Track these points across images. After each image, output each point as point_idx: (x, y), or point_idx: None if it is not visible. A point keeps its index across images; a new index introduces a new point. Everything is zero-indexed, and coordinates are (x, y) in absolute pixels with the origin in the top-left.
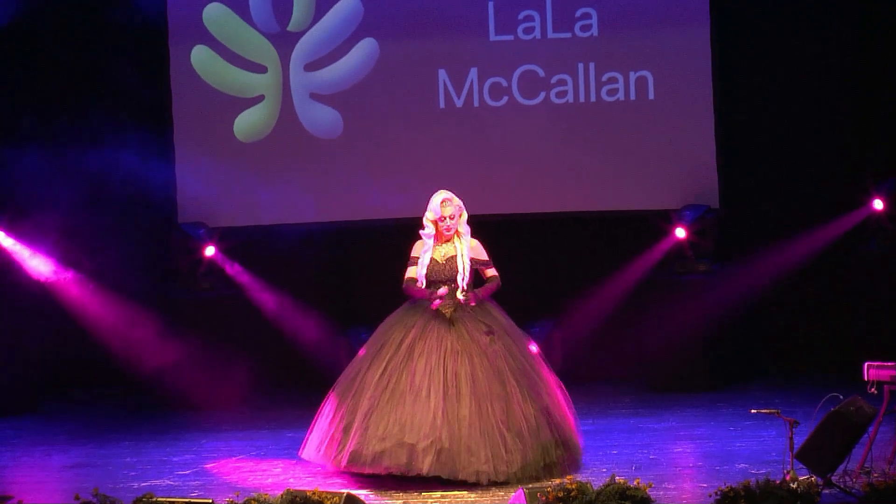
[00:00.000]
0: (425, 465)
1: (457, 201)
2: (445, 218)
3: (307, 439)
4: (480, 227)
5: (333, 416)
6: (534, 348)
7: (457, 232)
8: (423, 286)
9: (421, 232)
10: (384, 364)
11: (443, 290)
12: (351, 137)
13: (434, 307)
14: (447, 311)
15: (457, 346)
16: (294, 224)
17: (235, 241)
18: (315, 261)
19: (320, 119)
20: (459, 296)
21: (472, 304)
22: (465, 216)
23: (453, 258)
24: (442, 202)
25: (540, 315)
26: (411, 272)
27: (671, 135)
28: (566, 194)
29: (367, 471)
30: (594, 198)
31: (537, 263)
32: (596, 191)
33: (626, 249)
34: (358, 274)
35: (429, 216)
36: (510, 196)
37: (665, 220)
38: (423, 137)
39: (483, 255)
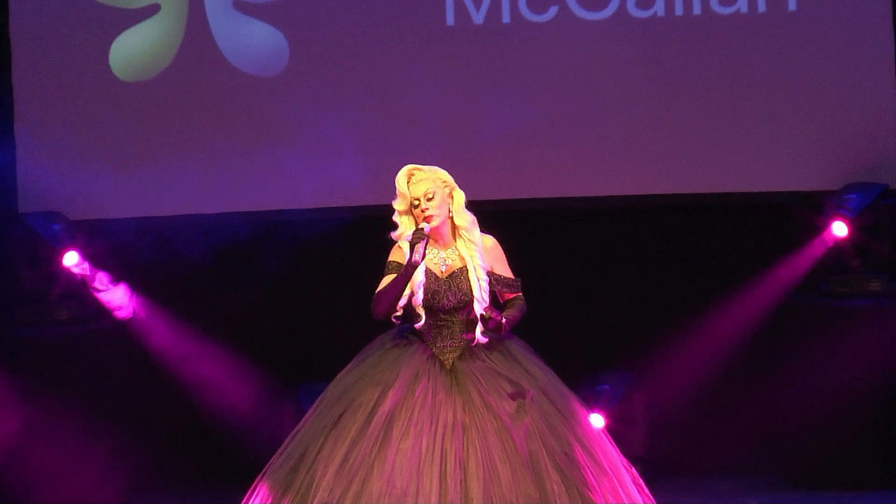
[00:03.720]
0: None
1: (440, 173)
2: (420, 200)
3: None
4: (502, 219)
5: None
6: (597, 421)
7: (453, 227)
8: (423, 318)
9: (393, 235)
10: (346, 448)
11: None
12: (302, 74)
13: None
14: (448, 358)
15: (461, 416)
16: (210, 215)
17: (113, 242)
18: (247, 276)
19: (251, 44)
20: (479, 334)
21: (500, 317)
22: (460, 198)
23: (461, 272)
24: (409, 177)
25: (609, 365)
26: (384, 283)
27: (824, 71)
28: (651, 168)
29: None
30: (696, 173)
31: (603, 280)
32: (699, 162)
33: (750, 257)
34: (315, 299)
35: (397, 205)
36: (555, 169)
37: (814, 209)
38: (419, 75)
39: (505, 270)
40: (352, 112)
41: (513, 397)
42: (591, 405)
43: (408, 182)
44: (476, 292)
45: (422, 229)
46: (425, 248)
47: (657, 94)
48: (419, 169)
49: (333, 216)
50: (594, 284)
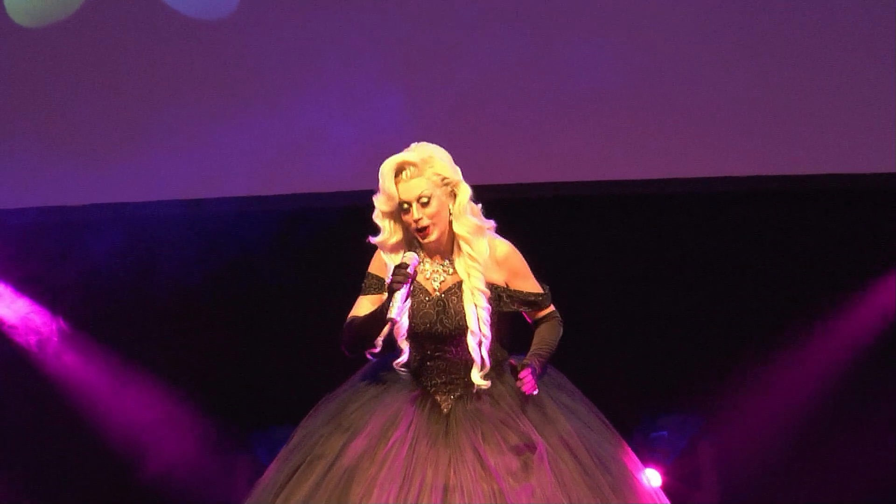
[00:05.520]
0: None
1: (439, 165)
2: (411, 205)
3: None
4: (526, 210)
5: None
6: (651, 478)
7: (454, 236)
8: (405, 354)
9: (372, 240)
10: None
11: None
12: (258, 16)
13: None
14: (445, 402)
15: (444, 475)
16: (142, 205)
17: (12, 241)
18: (193, 290)
19: None
20: (477, 379)
21: (533, 391)
22: (464, 196)
23: (459, 289)
24: (397, 171)
25: (669, 405)
26: (360, 305)
27: None
28: (728, 148)
29: None
30: (779, 152)
31: (662, 294)
32: (782, 134)
33: (854, 263)
34: (277, 319)
35: (380, 204)
36: (596, 147)
37: None
38: (412, 16)
39: (527, 283)
40: (328, 72)
41: (517, 452)
42: (645, 458)
43: (395, 174)
44: (471, 321)
45: (404, 269)
46: (410, 289)
47: (741, 59)
48: (411, 163)
49: (305, 207)
50: (650, 299)
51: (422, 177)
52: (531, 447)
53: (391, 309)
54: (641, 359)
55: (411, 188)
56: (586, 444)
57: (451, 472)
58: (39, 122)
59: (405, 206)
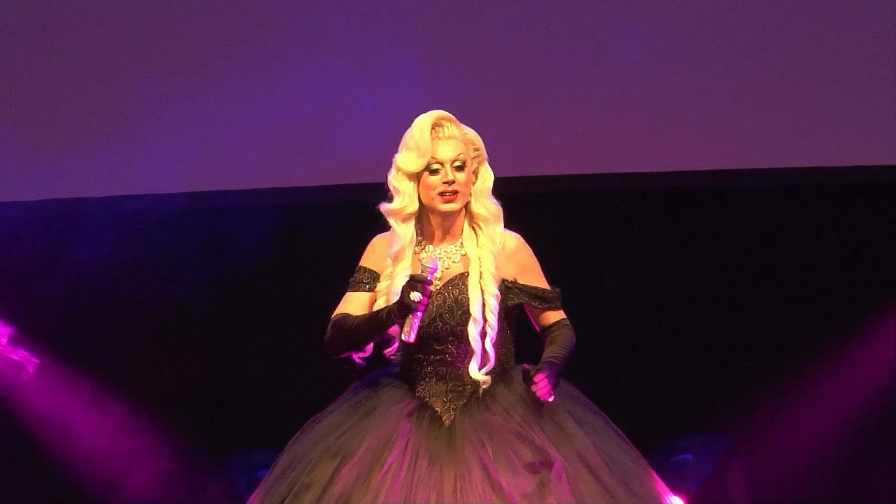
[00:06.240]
0: None
1: (472, 135)
2: (444, 166)
3: None
4: (534, 208)
5: None
6: None
7: (471, 214)
8: (393, 345)
9: (383, 207)
10: None
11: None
12: None
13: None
14: (447, 413)
15: (450, 500)
16: (111, 199)
17: None
18: (158, 297)
19: None
20: (475, 373)
21: (549, 397)
22: (488, 178)
23: (462, 281)
24: (434, 126)
25: (696, 424)
26: (349, 302)
27: None
28: (765, 137)
29: None
30: (806, 140)
31: (689, 299)
32: (812, 122)
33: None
34: (255, 332)
35: (404, 164)
36: (619, 136)
37: None
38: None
39: (537, 279)
40: (319, 37)
41: (532, 470)
42: (669, 483)
43: (432, 128)
44: (475, 308)
45: (422, 283)
46: (428, 303)
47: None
48: (452, 121)
49: (294, 201)
50: (676, 305)
51: (459, 140)
52: (547, 464)
53: (405, 329)
54: (663, 372)
55: (448, 147)
56: (607, 460)
57: (458, 495)
58: (14, 109)
59: (435, 165)
